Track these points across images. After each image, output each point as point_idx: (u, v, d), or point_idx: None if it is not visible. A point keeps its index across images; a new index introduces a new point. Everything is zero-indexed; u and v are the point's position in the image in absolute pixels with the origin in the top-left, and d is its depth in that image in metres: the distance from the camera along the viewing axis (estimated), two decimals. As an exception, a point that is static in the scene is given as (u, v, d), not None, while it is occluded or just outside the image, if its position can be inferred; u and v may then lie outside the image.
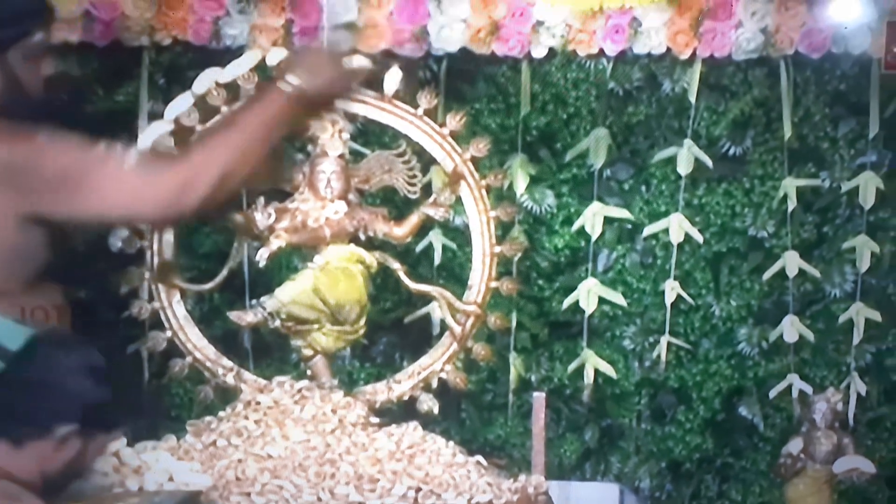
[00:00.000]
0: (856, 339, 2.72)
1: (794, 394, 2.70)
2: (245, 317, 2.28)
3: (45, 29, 2.10)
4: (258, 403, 2.24)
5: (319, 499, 2.10)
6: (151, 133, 2.31)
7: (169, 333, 2.33)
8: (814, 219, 2.76)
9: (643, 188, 2.76)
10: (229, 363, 2.35)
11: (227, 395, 2.33)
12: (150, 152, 2.11)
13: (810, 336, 2.72)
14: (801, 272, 2.70)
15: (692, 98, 2.64)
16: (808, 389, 2.67)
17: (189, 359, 2.34)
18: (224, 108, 2.28)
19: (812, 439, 2.55)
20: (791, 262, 2.69)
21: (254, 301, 2.33)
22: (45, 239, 2.03)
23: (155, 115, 2.44)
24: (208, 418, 2.27)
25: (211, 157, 2.09)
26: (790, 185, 2.69)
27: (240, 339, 2.58)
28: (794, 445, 2.56)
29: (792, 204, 2.68)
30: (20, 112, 2.05)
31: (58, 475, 1.74)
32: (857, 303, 2.71)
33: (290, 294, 2.26)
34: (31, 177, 1.99)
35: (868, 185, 2.68)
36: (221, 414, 2.26)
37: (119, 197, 2.03)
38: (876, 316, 2.70)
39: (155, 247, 2.31)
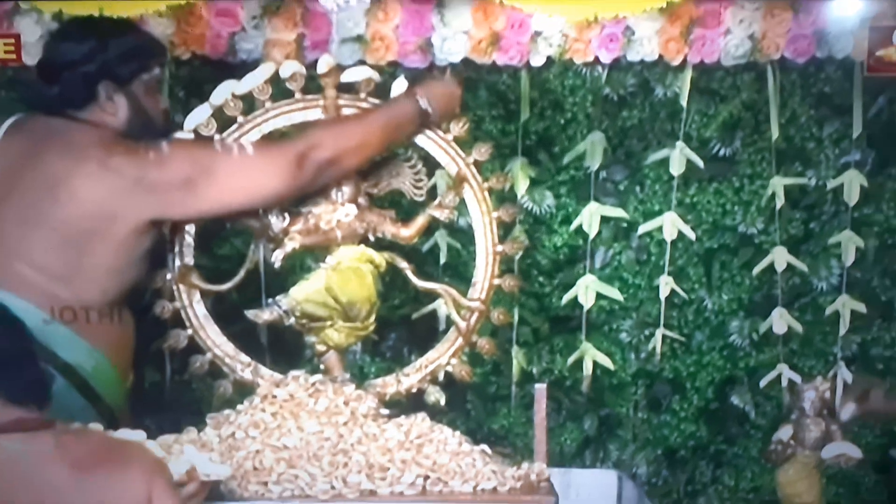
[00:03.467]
0: (842, 330, 2.73)
1: (784, 383, 2.70)
2: (262, 315, 2.28)
3: (161, 65, 2.19)
4: (274, 397, 2.24)
5: (333, 487, 2.11)
6: (172, 142, 2.33)
7: (190, 331, 2.33)
8: (801, 215, 2.76)
9: (638, 188, 2.76)
10: (247, 359, 2.35)
11: (244, 390, 2.33)
12: (263, 138, 2.19)
13: (798, 327, 2.73)
14: (790, 266, 2.70)
15: (683, 102, 2.64)
16: (797, 378, 2.68)
17: (209, 355, 2.34)
18: (240, 118, 2.30)
19: (801, 426, 2.53)
20: (779, 257, 2.69)
21: (270, 300, 2.32)
22: (140, 256, 2.11)
23: (175, 126, 2.40)
24: (227, 411, 2.26)
25: (330, 137, 2.17)
26: (778, 184, 2.69)
27: (257, 336, 2.58)
28: (785, 432, 2.54)
29: (780, 201, 2.68)
30: (146, 139, 2.15)
31: None
32: (843, 295, 2.71)
33: (304, 293, 2.26)
34: (156, 183, 2.09)
35: (853, 183, 2.68)
36: (240, 407, 2.25)
37: (243, 183, 2.12)
38: (861, 307, 2.71)
39: (176, 249, 2.31)
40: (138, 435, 2.06)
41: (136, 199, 2.11)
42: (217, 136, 2.23)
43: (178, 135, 2.33)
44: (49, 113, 2.20)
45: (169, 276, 2.32)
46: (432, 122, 2.25)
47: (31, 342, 1.83)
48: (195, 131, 2.30)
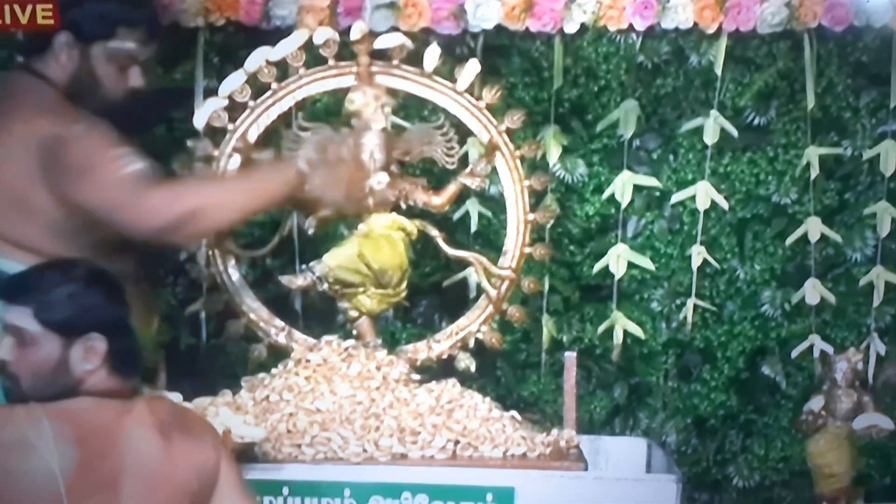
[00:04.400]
0: (876, 301, 2.70)
1: (816, 353, 2.68)
2: (295, 280, 2.31)
3: (141, 42, 2.11)
4: (308, 361, 2.27)
5: (365, 450, 2.15)
6: (207, 108, 2.33)
7: (225, 296, 2.36)
8: (836, 186, 2.72)
9: (671, 157, 2.74)
10: (281, 324, 2.38)
11: (279, 354, 2.36)
12: (154, 173, 2.07)
13: (831, 298, 2.70)
14: (823, 237, 2.67)
15: (718, 70, 2.61)
16: (829, 349, 2.65)
17: (244, 320, 2.37)
18: (274, 85, 2.31)
19: (833, 397, 2.50)
20: (813, 227, 2.66)
21: (303, 266, 2.34)
22: (87, 221, 2.06)
23: (210, 92, 2.45)
24: (262, 375, 2.30)
25: (201, 189, 2.13)
26: (813, 154, 2.65)
27: (291, 301, 2.59)
28: (816, 403, 2.52)
29: (814, 172, 2.65)
30: (86, 105, 2.08)
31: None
32: (878, 266, 2.68)
33: (337, 259, 2.28)
34: (59, 159, 2.01)
35: (889, 153, 2.63)
36: (274, 371, 2.29)
37: (109, 197, 2.01)
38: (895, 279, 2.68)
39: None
40: (175, 397, 2.10)
41: (44, 167, 1.99)
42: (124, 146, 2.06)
43: (211, 100, 2.31)
44: (23, 55, 2.13)
45: (204, 242, 2.34)
46: (308, 196, 2.19)
47: (128, 309, 1.80)
48: (230, 97, 2.32)
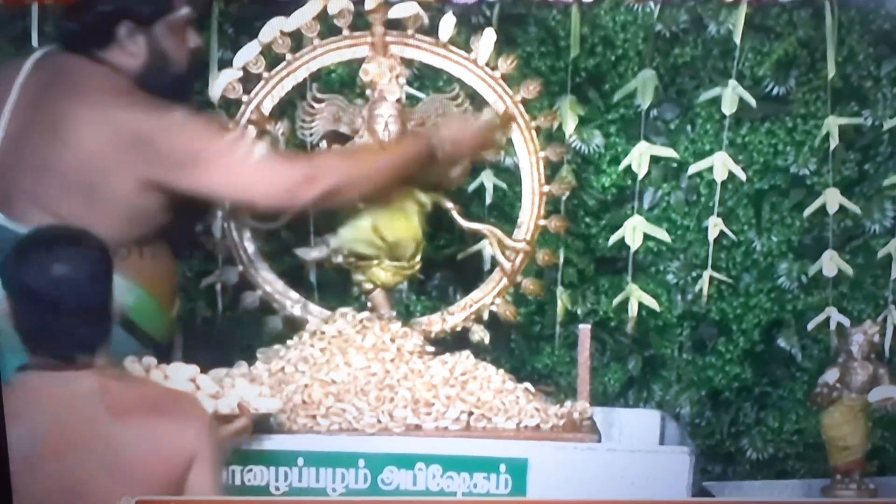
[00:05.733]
0: (894, 274, 2.68)
1: (832, 326, 2.67)
2: (310, 253, 2.32)
3: (190, 4, 2.13)
4: (323, 333, 2.28)
5: (379, 421, 2.16)
6: (222, 79, 2.32)
7: (241, 268, 2.37)
8: (855, 156, 2.70)
9: (688, 128, 2.72)
10: (296, 296, 2.39)
11: (294, 326, 2.37)
12: (273, 148, 2.16)
13: (849, 270, 2.68)
14: (842, 208, 2.65)
15: (737, 39, 2.56)
16: (846, 322, 2.64)
17: (259, 292, 2.38)
18: (288, 56, 2.30)
19: (848, 369, 2.47)
20: (832, 198, 2.64)
21: (318, 239, 2.35)
22: (162, 204, 2.10)
23: (224, 63, 2.43)
24: (277, 346, 2.31)
25: (337, 166, 2.16)
26: (833, 124, 2.62)
27: (306, 273, 2.59)
28: (831, 375, 2.48)
29: (834, 142, 2.62)
30: (163, 84, 2.12)
31: None
32: (896, 238, 2.67)
33: (352, 232, 2.28)
34: (159, 150, 2.06)
35: (910, 124, 2.62)
36: (289, 342, 2.30)
37: (241, 181, 2.12)
38: (915, 251, 2.66)
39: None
40: (191, 369, 2.12)
41: (132, 157, 2.05)
42: (237, 125, 2.16)
43: (226, 71, 2.31)
44: (72, 50, 2.15)
45: (220, 214, 2.35)
46: (441, 164, 2.22)
47: (109, 281, 1.80)
48: (244, 68, 2.31)
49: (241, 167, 2.08)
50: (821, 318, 2.69)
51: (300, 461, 2.10)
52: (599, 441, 2.18)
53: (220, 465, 1.87)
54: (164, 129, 2.06)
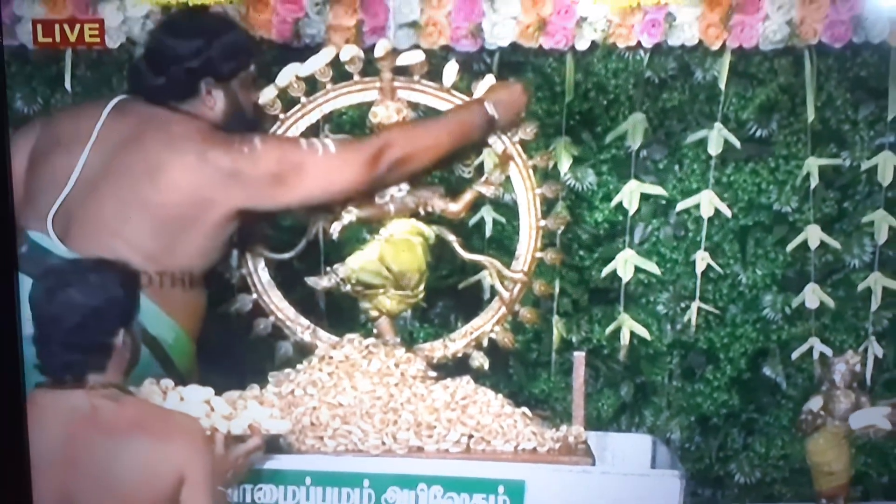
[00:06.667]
0: (874, 306, 2.72)
1: (815, 356, 2.70)
2: (320, 282, 2.36)
3: (257, 62, 2.25)
4: (331, 358, 2.31)
5: (383, 443, 2.19)
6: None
7: (254, 296, 2.42)
8: (835, 195, 2.75)
9: (676, 167, 2.77)
10: (306, 322, 2.43)
11: (304, 351, 2.41)
12: (344, 137, 2.28)
13: (831, 303, 2.73)
14: (823, 244, 2.70)
15: (722, 85, 2.63)
16: (829, 352, 2.68)
17: (272, 318, 2.42)
18: (303, 99, 2.37)
19: (832, 398, 2.50)
20: (813, 234, 2.69)
21: (328, 268, 2.39)
22: (229, 238, 2.21)
23: (267, 117, 2.43)
24: (287, 370, 2.34)
25: (403, 138, 2.25)
26: (813, 164, 2.68)
27: (316, 301, 2.64)
28: (815, 403, 2.51)
29: (814, 181, 2.67)
30: (242, 131, 2.22)
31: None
32: (875, 272, 2.71)
33: (360, 262, 2.33)
34: (249, 178, 2.15)
35: (886, 164, 2.66)
36: (299, 367, 2.34)
37: (329, 176, 2.19)
38: (893, 284, 2.70)
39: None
40: (206, 391, 2.16)
41: (229, 189, 2.15)
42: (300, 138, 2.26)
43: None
44: (152, 101, 2.26)
45: (236, 245, 2.38)
46: (498, 127, 2.29)
47: (131, 310, 1.86)
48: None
49: (325, 164, 2.18)
50: (804, 347, 2.73)
51: (308, 480, 2.13)
52: (594, 464, 2.20)
53: (214, 484, 1.88)
54: (249, 158, 2.17)
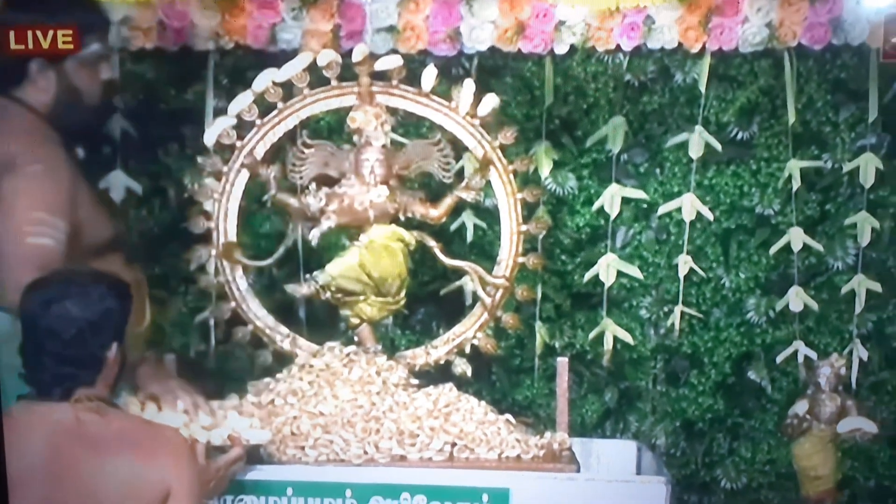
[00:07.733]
0: (857, 309, 2.72)
1: (800, 359, 2.70)
2: (300, 289, 2.35)
3: (101, 39, 2.14)
4: (311, 366, 2.31)
5: (365, 452, 2.18)
6: (217, 126, 2.38)
7: (233, 304, 2.40)
8: (817, 197, 2.75)
9: (657, 171, 2.77)
10: (286, 330, 2.42)
11: (283, 359, 2.40)
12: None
13: (814, 305, 2.73)
14: (806, 246, 2.70)
15: (702, 88, 2.64)
16: (813, 355, 2.68)
17: (250, 327, 2.41)
18: (280, 104, 2.36)
19: (817, 401, 2.52)
20: (796, 237, 2.70)
21: (307, 275, 2.39)
22: (105, 219, 2.09)
23: (219, 112, 2.50)
24: (267, 380, 2.34)
25: None
26: (794, 167, 2.68)
27: (295, 309, 2.63)
28: (801, 407, 2.54)
29: (796, 184, 2.68)
30: (73, 119, 2.13)
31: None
32: (859, 275, 2.71)
33: (339, 269, 2.32)
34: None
35: (868, 166, 2.67)
36: (279, 376, 2.33)
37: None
38: (876, 287, 2.71)
39: (220, 228, 2.37)
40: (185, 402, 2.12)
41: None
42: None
43: (220, 119, 2.36)
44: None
45: (213, 253, 2.38)
46: None
47: (125, 323, 1.84)
48: (238, 116, 2.36)
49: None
50: (789, 351, 2.73)
51: (289, 491, 2.12)
52: (578, 471, 2.20)
53: (200, 498, 1.87)
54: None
